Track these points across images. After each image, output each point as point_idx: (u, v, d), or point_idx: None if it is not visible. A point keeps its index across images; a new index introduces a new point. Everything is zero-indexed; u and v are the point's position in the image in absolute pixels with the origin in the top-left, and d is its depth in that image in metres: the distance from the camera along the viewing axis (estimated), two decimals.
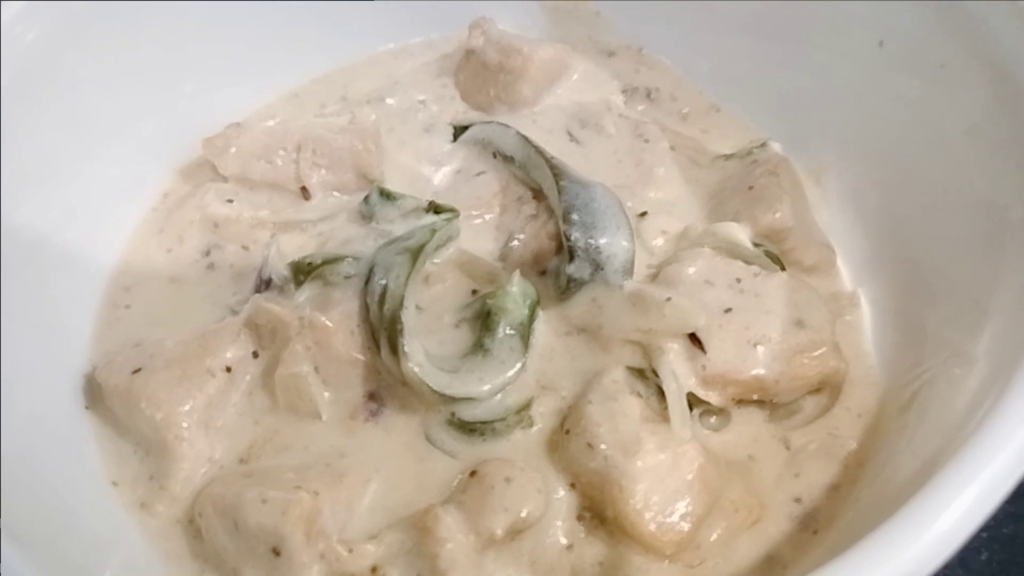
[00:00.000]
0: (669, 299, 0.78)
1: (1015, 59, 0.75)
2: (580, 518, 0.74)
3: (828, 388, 0.81)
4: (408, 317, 0.79)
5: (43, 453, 0.77)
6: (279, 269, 0.86)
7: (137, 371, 0.79)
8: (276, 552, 0.69)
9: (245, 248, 0.93)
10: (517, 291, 0.82)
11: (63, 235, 0.90)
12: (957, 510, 0.54)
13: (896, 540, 0.53)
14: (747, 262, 0.83)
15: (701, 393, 0.78)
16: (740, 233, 0.85)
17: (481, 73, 1.05)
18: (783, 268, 0.85)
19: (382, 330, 0.79)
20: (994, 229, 0.77)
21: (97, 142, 0.94)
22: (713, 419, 0.80)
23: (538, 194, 0.92)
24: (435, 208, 0.89)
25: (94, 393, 0.83)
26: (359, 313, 0.82)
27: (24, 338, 0.81)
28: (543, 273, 0.86)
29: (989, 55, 0.79)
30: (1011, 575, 0.84)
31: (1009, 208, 0.74)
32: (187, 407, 0.79)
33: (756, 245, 0.86)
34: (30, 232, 0.86)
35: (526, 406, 0.79)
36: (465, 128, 1.02)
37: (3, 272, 0.81)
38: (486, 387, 0.78)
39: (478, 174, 0.97)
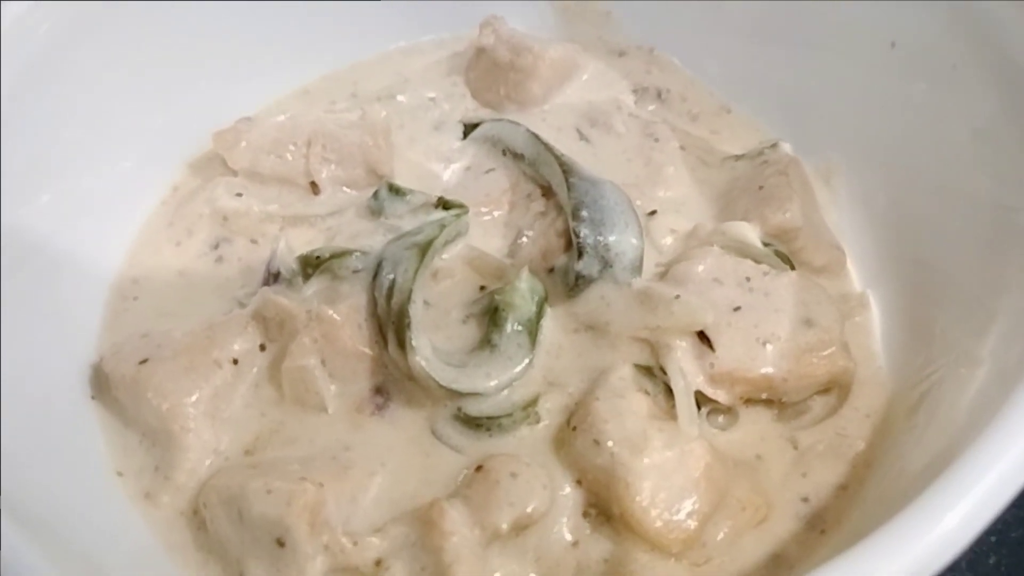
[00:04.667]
0: (678, 297, 0.78)
1: None
2: (586, 515, 0.74)
3: (836, 388, 0.81)
4: (416, 311, 0.79)
5: (49, 442, 0.77)
6: (287, 263, 0.85)
7: (144, 361, 0.80)
8: (280, 543, 0.69)
9: (254, 242, 0.94)
10: (525, 287, 0.81)
11: (73, 227, 0.90)
12: (964, 509, 0.53)
13: (902, 537, 0.53)
14: (756, 261, 0.83)
15: (709, 391, 0.77)
16: (750, 232, 0.85)
17: (491, 71, 1.05)
18: (793, 268, 0.85)
19: (389, 324, 0.79)
20: (1001, 232, 0.77)
21: (108, 135, 0.94)
22: (721, 418, 0.80)
23: (547, 191, 0.92)
24: (444, 204, 0.89)
25: (101, 383, 0.83)
26: (367, 307, 0.82)
27: (32, 327, 0.81)
28: (551, 270, 0.86)
29: (1000, 56, 0.78)
30: None
31: (1017, 211, 0.74)
32: (193, 398, 0.79)
33: (766, 245, 0.86)
34: (41, 224, 0.86)
35: (533, 402, 0.78)
36: (475, 125, 1.02)
37: (14, 262, 0.81)
38: (493, 382, 0.78)
39: (488, 171, 0.97)
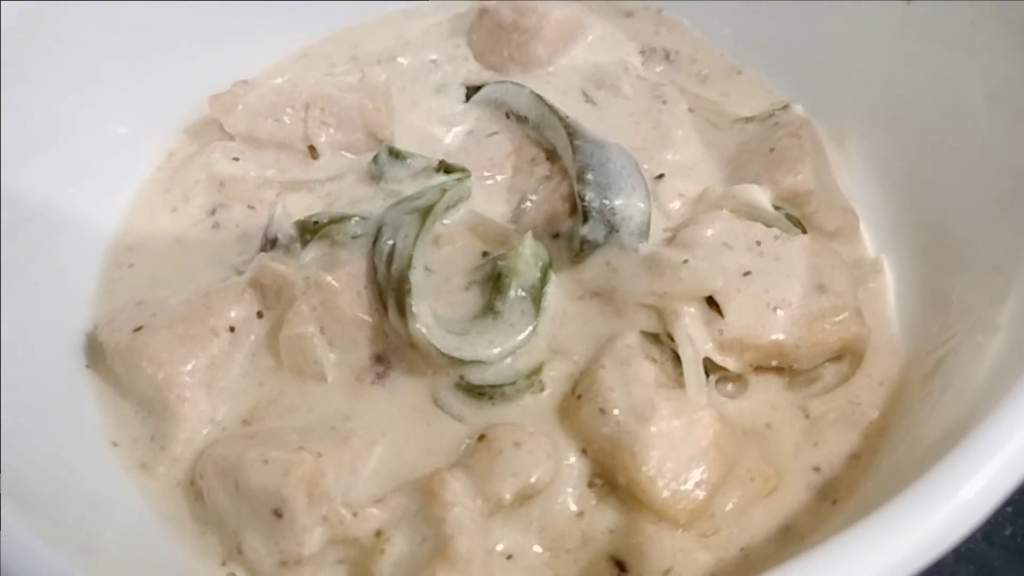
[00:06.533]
0: (686, 261, 0.76)
1: None
2: (591, 485, 0.72)
3: (849, 355, 0.79)
4: (416, 278, 0.77)
5: (43, 412, 0.76)
6: (285, 228, 0.84)
7: (139, 329, 0.78)
8: (278, 514, 0.67)
9: (251, 208, 0.92)
10: (529, 253, 0.80)
11: (68, 193, 0.88)
12: (980, 481, 0.52)
13: (916, 510, 0.52)
14: (767, 225, 0.81)
15: (718, 358, 0.76)
16: (760, 195, 0.83)
17: (495, 32, 1.03)
18: (804, 232, 0.83)
19: (390, 291, 0.77)
20: (1019, 196, 0.75)
21: (103, 100, 0.93)
22: (730, 386, 0.78)
23: (552, 155, 0.89)
24: (446, 168, 0.87)
25: (95, 352, 0.81)
26: (366, 274, 0.80)
27: (26, 296, 0.80)
28: (556, 236, 0.84)
29: (1021, 13, 0.76)
30: None
31: None
32: (189, 367, 0.77)
33: (777, 208, 0.84)
34: (35, 190, 0.85)
35: (537, 370, 0.77)
36: (478, 88, 1.00)
37: (7, 229, 0.80)
38: (496, 350, 0.77)
39: (491, 135, 0.94)
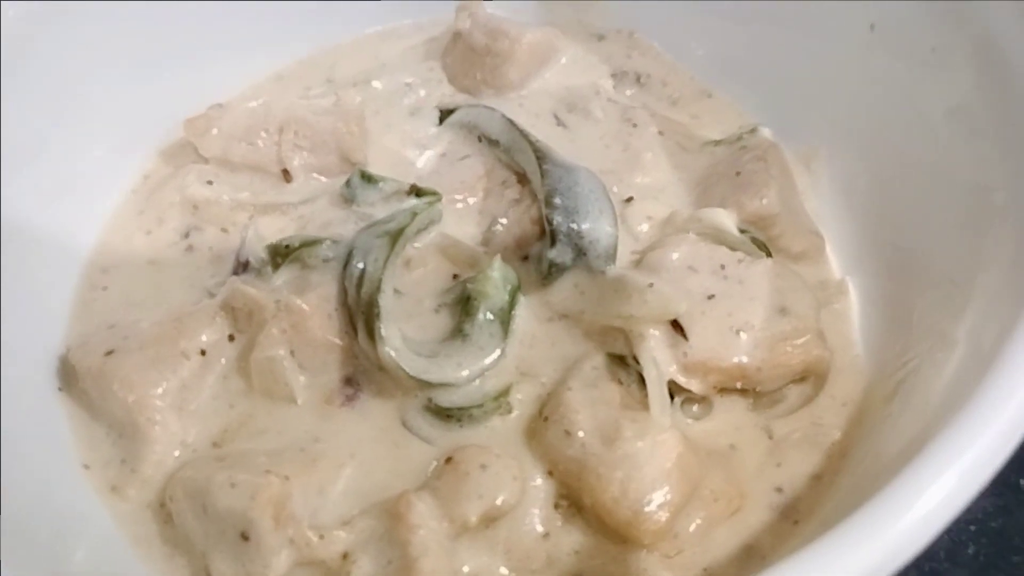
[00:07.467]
0: (651, 285, 0.76)
1: (1004, 42, 0.74)
2: (557, 506, 0.73)
3: (812, 377, 0.80)
4: (386, 301, 0.78)
5: (15, 434, 0.75)
6: (257, 251, 0.85)
7: (110, 353, 0.78)
8: (245, 537, 0.68)
9: (224, 231, 0.92)
10: (498, 276, 0.80)
11: (42, 215, 0.88)
12: (937, 494, 0.52)
13: (871, 526, 0.52)
14: (732, 248, 0.82)
15: (682, 380, 0.76)
16: (726, 219, 0.84)
17: (468, 56, 1.04)
18: (769, 255, 0.84)
19: (359, 314, 0.78)
20: (979, 213, 0.76)
21: (78, 122, 0.93)
22: (695, 407, 0.79)
23: (522, 178, 0.90)
24: (417, 191, 0.88)
25: (68, 375, 0.82)
26: (337, 297, 0.81)
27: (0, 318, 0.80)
28: (526, 258, 0.85)
29: (980, 38, 0.78)
30: (998, 569, 0.82)
31: (994, 191, 0.74)
32: (160, 390, 0.78)
33: (742, 231, 0.85)
34: (9, 212, 0.85)
35: (504, 392, 0.78)
36: (451, 111, 1.00)
37: None
38: (464, 372, 0.77)
39: (463, 158, 0.95)
